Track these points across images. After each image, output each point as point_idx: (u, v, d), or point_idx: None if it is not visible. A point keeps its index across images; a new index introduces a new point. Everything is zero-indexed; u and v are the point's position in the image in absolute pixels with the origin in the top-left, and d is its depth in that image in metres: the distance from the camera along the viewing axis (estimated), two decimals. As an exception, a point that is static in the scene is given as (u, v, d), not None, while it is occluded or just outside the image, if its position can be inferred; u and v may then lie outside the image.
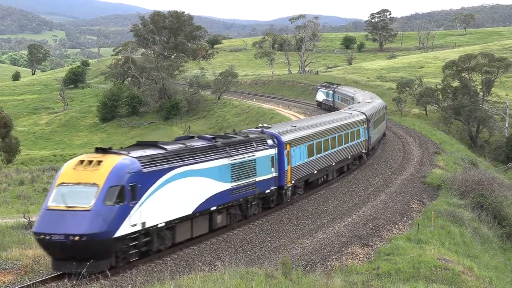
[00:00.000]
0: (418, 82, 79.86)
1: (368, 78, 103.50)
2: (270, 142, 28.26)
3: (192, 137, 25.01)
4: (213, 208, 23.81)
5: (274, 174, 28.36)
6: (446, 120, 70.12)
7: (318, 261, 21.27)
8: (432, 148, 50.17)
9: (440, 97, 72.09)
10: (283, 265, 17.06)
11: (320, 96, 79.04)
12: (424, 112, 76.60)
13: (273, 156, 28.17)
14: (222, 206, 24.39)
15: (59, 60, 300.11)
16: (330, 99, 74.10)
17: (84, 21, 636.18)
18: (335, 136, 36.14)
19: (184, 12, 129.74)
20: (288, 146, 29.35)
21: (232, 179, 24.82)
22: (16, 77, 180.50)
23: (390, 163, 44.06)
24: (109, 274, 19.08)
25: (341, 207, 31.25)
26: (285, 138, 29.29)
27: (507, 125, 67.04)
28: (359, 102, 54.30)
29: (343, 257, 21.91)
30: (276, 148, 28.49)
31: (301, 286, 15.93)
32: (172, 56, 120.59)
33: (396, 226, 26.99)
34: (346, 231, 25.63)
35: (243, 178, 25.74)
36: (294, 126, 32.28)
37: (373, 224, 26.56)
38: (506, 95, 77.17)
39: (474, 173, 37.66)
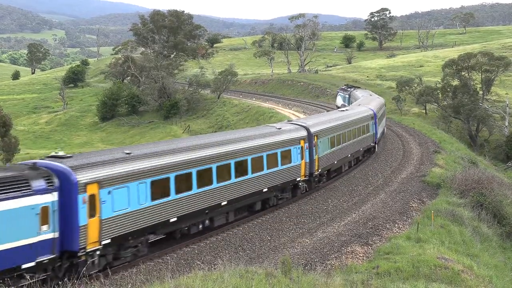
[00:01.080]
0: (417, 81, 79.95)
1: (367, 77, 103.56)
2: (39, 184, 17.91)
3: None
4: None
5: (49, 235, 17.92)
6: (446, 119, 70.18)
7: (318, 260, 21.29)
8: (431, 147, 50.15)
9: (440, 96, 72.11)
10: (283, 264, 17.06)
11: (339, 101, 69.89)
12: (424, 111, 76.62)
13: (46, 207, 17.83)
14: None
15: (58, 59, 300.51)
16: (347, 104, 64.23)
17: (84, 20, 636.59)
18: (228, 163, 25.44)
19: (183, 11, 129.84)
20: (92, 187, 18.97)
21: None
22: (15, 76, 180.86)
23: (389, 162, 44.05)
24: (109, 273, 19.13)
25: (340, 206, 31.25)
26: (84, 176, 18.86)
27: (506, 124, 67.07)
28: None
29: (343, 256, 21.92)
30: (57, 193, 18.26)
31: (301, 285, 15.92)
32: (172, 55, 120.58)
33: (396, 225, 26.99)
34: (345, 230, 25.63)
35: None
36: (128, 153, 21.32)
37: (372, 223, 26.56)
38: (506, 94, 77.23)
39: (474, 172, 37.66)
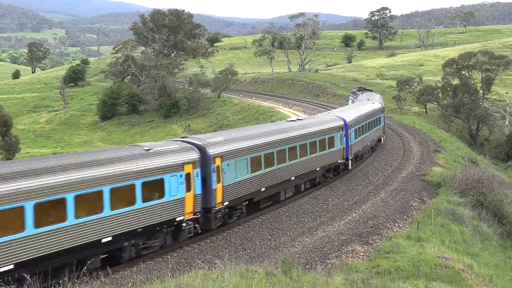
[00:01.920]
0: (418, 80, 79.94)
1: (368, 76, 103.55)
2: None
3: None
4: None
5: None
6: (446, 118, 70.18)
7: (318, 259, 21.28)
8: (432, 146, 50.13)
9: (440, 95, 72.15)
10: (283, 263, 17.06)
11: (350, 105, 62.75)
12: (424, 110, 76.60)
13: None
14: None
15: (59, 59, 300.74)
16: None
17: (84, 19, 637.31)
18: (18, 208, 16.86)
19: (183, 10, 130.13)
20: None
21: None
22: (16, 75, 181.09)
23: (390, 161, 44.03)
24: (109, 272, 19.13)
25: (341, 205, 31.24)
26: None
27: (507, 123, 67.06)
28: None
29: (343, 255, 21.92)
30: None
31: (301, 284, 15.92)
32: (172, 54, 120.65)
33: (396, 224, 26.98)
34: (346, 229, 25.62)
35: None
36: None
37: (373, 222, 26.54)
38: (506, 93, 77.26)
39: (474, 171, 37.63)
